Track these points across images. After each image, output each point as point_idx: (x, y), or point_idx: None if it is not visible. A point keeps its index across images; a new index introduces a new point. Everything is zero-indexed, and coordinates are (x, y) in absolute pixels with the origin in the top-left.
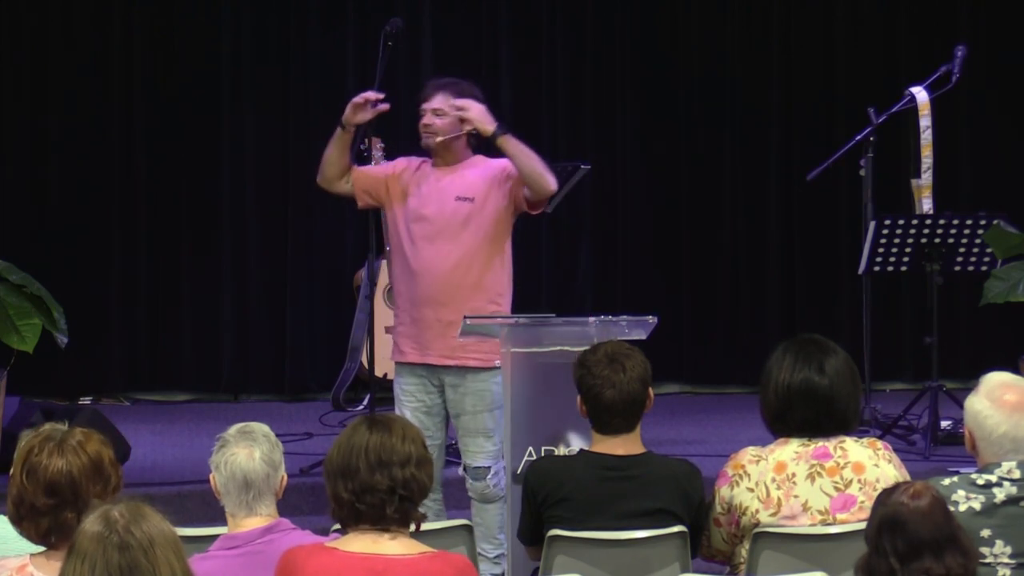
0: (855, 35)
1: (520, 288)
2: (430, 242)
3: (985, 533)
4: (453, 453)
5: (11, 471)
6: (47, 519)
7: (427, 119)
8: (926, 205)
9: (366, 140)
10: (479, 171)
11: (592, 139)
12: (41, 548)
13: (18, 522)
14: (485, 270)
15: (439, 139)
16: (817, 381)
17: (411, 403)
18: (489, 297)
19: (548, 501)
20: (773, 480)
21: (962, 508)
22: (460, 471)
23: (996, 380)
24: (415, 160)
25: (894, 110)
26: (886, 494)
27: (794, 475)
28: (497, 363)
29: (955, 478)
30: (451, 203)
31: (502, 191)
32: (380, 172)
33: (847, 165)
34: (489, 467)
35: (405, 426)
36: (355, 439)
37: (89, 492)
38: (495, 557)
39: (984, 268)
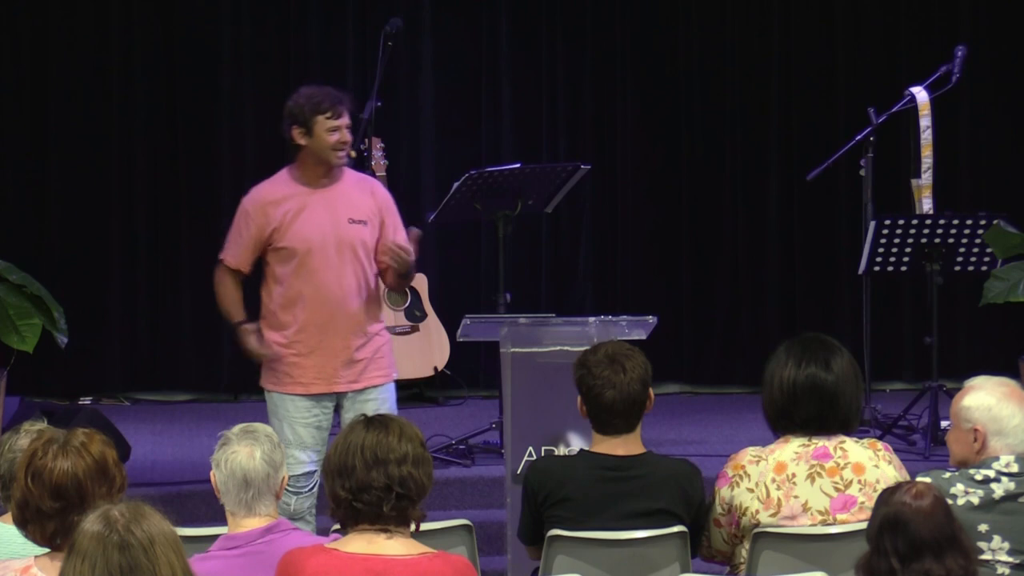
0: (855, 35)
1: (520, 288)
2: (329, 268)
3: (983, 528)
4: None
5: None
6: (53, 522)
7: (346, 136)
8: (926, 205)
9: (366, 140)
10: (362, 192)
11: (592, 139)
12: (45, 550)
13: (23, 525)
14: (375, 288)
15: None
16: (823, 377)
17: (305, 418)
18: (378, 316)
19: (548, 501)
20: (773, 480)
21: (960, 502)
22: None
23: (989, 380)
24: (262, 198)
25: (894, 110)
26: (888, 493)
27: (794, 475)
28: (395, 375)
29: (955, 471)
30: (345, 226)
31: (377, 230)
32: (250, 239)
33: (847, 165)
34: None
35: (402, 425)
36: (352, 438)
37: (95, 494)
38: None
39: (984, 268)
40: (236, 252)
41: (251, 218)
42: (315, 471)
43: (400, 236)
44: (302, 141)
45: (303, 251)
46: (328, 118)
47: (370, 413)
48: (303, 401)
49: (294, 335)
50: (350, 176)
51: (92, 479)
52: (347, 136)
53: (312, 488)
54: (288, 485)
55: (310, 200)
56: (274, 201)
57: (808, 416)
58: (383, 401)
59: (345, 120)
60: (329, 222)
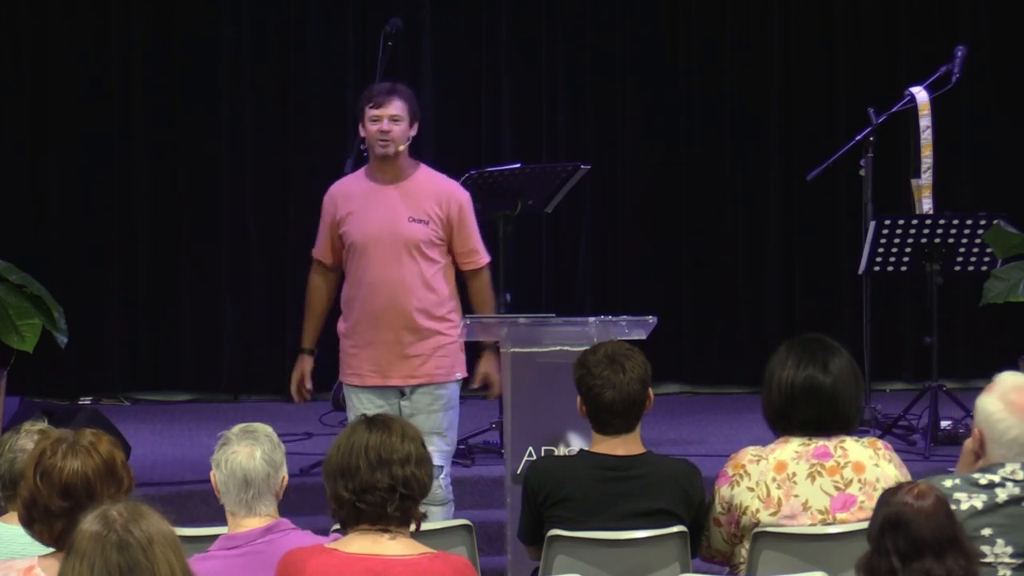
0: (855, 35)
1: (520, 288)
2: (383, 263)
3: (986, 532)
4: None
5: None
6: (61, 521)
7: (386, 126)
8: (926, 205)
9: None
10: (430, 193)
11: (592, 139)
12: (49, 550)
13: (30, 524)
14: (440, 287)
15: (399, 148)
16: (821, 379)
17: (368, 409)
18: (443, 313)
19: (548, 501)
20: (773, 480)
21: (963, 507)
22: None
23: (1011, 383)
24: (336, 192)
25: (894, 110)
26: (890, 493)
27: (794, 475)
28: (458, 375)
29: (957, 479)
30: (403, 223)
31: (447, 233)
32: (326, 228)
33: (847, 165)
34: (441, 467)
35: (404, 425)
36: (355, 438)
37: (103, 494)
38: None
39: (984, 268)
40: (318, 242)
41: (326, 209)
42: None
43: (469, 243)
44: (361, 134)
45: (360, 244)
46: (371, 108)
47: (423, 409)
48: (364, 393)
49: (352, 327)
50: (425, 176)
51: (101, 479)
52: (387, 126)
53: None
54: None
55: (374, 195)
56: (343, 193)
57: (806, 418)
58: (437, 398)
59: (388, 111)
60: (387, 218)
